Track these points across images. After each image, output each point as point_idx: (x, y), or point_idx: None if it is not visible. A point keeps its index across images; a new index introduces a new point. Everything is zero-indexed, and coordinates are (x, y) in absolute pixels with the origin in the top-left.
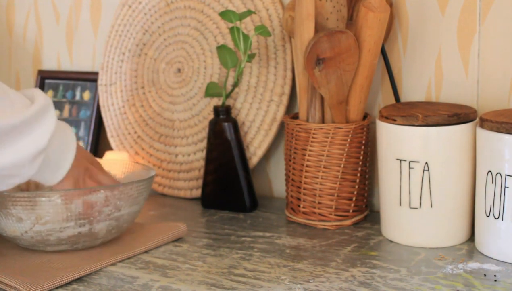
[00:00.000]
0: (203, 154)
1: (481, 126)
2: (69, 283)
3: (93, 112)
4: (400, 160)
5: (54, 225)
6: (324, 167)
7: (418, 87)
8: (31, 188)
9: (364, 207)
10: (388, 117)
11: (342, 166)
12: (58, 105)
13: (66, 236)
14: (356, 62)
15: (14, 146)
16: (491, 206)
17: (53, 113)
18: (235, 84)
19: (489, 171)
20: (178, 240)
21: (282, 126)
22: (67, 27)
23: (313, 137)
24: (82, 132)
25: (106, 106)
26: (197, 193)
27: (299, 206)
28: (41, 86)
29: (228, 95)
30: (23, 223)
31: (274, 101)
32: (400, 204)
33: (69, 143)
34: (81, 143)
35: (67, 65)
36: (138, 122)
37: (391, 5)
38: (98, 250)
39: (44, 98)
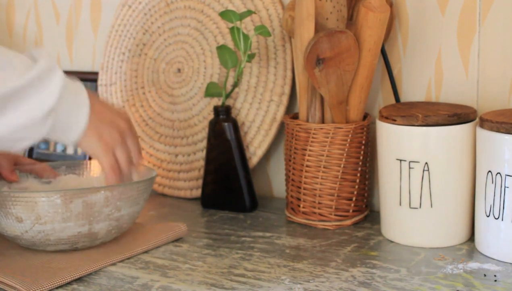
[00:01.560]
0: (203, 154)
1: (481, 126)
2: (69, 283)
3: None
4: (400, 160)
5: (54, 225)
6: (324, 167)
7: (418, 87)
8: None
9: (364, 207)
10: (388, 117)
11: (342, 166)
12: None
13: (66, 236)
14: (356, 62)
15: (20, 109)
16: (491, 206)
17: (58, 71)
18: (235, 84)
19: (489, 171)
20: (178, 240)
21: (282, 126)
22: (67, 27)
23: (313, 138)
24: None
25: None
26: (197, 193)
27: (299, 206)
28: None
29: (228, 95)
30: (23, 223)
31: (274, 101)
32: (400, 204)
33: (81, 100)
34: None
35: (67, 65)
36: (138, 122)
37: (391, 5)
38: (98, 250)
39: (47, 59)
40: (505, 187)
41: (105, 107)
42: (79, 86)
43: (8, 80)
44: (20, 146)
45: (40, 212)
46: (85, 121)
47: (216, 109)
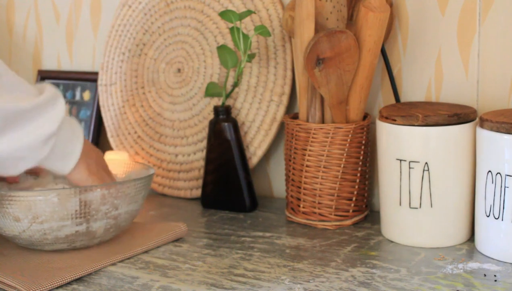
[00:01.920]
0: (203, 154)
1: (481, 126)
2: (69, 283)
3: (93, 112)
4: (400, 160)
5: (51, 224)
6: (324, 167)
7: (418, 87)
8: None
9: (364, 207)
10: (388, 117)
11: (342, 166)
12: None
13: (64, 234)
14: (356, 62)
15: (26, 128)
16: (491, 206)
17: (62, 102)
18: (235, 84)
19: (489, 171)
20: (178, 240)
21: (282, 126)
22: (67, 27)
23: (313, 137)
24: None
25: (106, 106)
26: (197, 193)
27: (299, 206)
28: None
29: (228, 95)
30: (20, 222)
31: (274, 101)
32: (400, 204)
33: (77, 134)
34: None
35: (67, 65)
36: (138, 122)
37: (391, 5)
38: (98, 250)
39: (53, 89)
40: (505, 187)
41: (92, 147)
42: (75, 122)
43: (20, 101)
44: (19, 166)
45: (37, 211)
46: (79, 153)
47: (216, 109)
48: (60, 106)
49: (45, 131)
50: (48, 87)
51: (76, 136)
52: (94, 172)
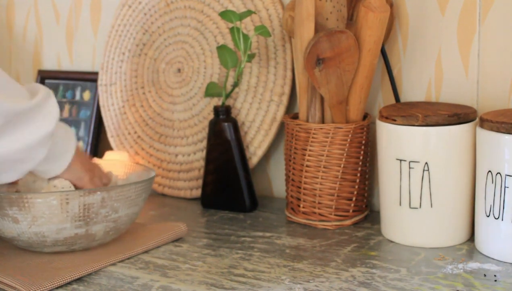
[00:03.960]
0: (203, 154)
1: (481, 126)
2: (69, 283)
3: (93, 112)
4: (400, 160)
5: (50, 226)
6: (324, 167)
7: (418, 87)
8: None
9: (364, 207)
10: (388, 117)
11: (342, 166)
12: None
13: (63, 237)
14: (356, 62)
15: (25, 129)
16: (491, 206)
17: (55, 100)
18: (235, 84)
19: (489, 171)
20: (178, 240)
21: (282, 126)
22: (67, 27)
23: (313, 137)
24: (82, 132)
25: (106, 106)
26: (197, 193)
27: (299, 206)
28: None
29: (228, 95)
30: (19, 224)
31: (274, 101)
32: (400, 204)
33: (69, 133)
34: (81, 143)
35: (67, 65)
36: (138, 122)
37: (391, 5)
38: (98, 250)
39: (45, 88)
40: (505, 187)
41: (81, 149)
42: (65, 124)
43: (17, 101)
44: (20, 169)
45: (36, 213)
46: (73, 153)
47: (216, 109)
48: (54, 105)
49: (43, 131)
50: (40, 87)
51: (68, 135)
52: (90, 168)
